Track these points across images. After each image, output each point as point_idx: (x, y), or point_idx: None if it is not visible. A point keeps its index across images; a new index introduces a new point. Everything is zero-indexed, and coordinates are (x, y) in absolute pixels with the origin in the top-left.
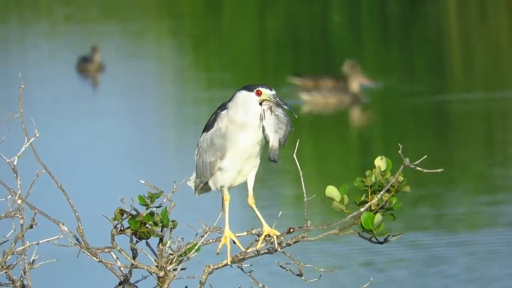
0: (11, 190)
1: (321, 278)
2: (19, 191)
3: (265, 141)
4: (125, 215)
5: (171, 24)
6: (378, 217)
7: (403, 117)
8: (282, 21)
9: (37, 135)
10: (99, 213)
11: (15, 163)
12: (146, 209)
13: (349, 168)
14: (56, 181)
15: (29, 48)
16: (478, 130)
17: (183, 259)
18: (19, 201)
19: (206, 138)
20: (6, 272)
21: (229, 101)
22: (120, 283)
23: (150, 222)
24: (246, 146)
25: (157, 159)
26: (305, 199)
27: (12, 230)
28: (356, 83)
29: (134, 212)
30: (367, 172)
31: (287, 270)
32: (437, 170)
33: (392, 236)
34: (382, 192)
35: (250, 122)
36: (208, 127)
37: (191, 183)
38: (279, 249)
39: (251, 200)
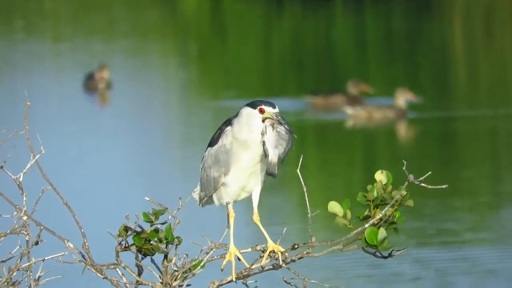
0: (17, 207)
1: None
2: (25, 208)
3: (265, 156)
4: (129, 232)
5: (176, 42)
6: (382, 232)
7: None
8: (287, 38)
9: (43, 152)
10: (104, 229)
11: (20, 179)
12: (151, 225)
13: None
14: (61, 197)
15: (35, 65)
16: (483, 147)
17: (188, 275)
18: (25, 218)
19: (211, 154)
20: None
21: (235, 117)
22: None
23: (155, 239)
24: (249, 163)
25: (162, 176)
26: (309, 215)
27: (18, 247)
28: (402, 98)
29: (138, 229)
30: (369, 187)
31: (292, 285)
32: (441, 186)
33: (397, 250)
34: (386, 208)
35: (253, 140)
36: (213, 142)
37: (195, 195)
38: (283, 265)
39: (256, 217)
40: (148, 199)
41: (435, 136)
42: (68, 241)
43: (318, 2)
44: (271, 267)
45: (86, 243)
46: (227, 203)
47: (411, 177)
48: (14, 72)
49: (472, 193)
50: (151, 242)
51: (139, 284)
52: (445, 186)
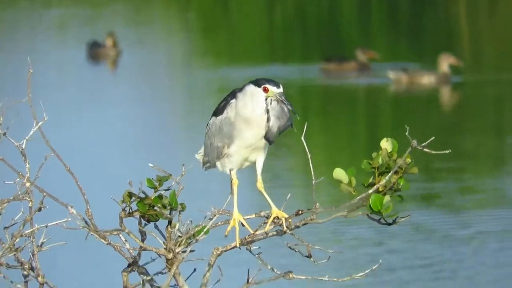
0: (20, 173)
1: (330, 259)
2: (28, 174)
3: (267, 121)
4: (133, 198)
5: (181, 12)
6: (387, 198)
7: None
8: (290, 6)
9: (46, 118)
10: (108, 196)
11: (23, 146)
12: (155, 192)
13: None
14: (64, 164)
15: (39, 34)
16: (488, 112)
17: (191, 241)
18: (28, 184)
19: (215, 123)
20: (14, 255)
21: (240, 90)
22: (129, 265)
23: (159, 205)
24: (251, 139)
25: (166, 144)
26: (313, 181)
27: (21, 213)
28: (445, 63)
29: (142, 195)
30: (374, 154)
31: (296, 251)
32: (444, 152)
33: (401, 217)
34: (390, 174)
35: (256, 118)
36: (218, 112)
37: (199, 156)
38: (287, 231)
39: (260, 185)
40: (152, 165)
41: (477, 101)
42: (71, 207)
43: None
44: (275, 233)
45: (89, 210)
46: (231, 170)
47: (414, 142)
48: (17, 38)
49: (477, 158)
50: (155, 208)
51: (142, 250)
52: (448, 151)
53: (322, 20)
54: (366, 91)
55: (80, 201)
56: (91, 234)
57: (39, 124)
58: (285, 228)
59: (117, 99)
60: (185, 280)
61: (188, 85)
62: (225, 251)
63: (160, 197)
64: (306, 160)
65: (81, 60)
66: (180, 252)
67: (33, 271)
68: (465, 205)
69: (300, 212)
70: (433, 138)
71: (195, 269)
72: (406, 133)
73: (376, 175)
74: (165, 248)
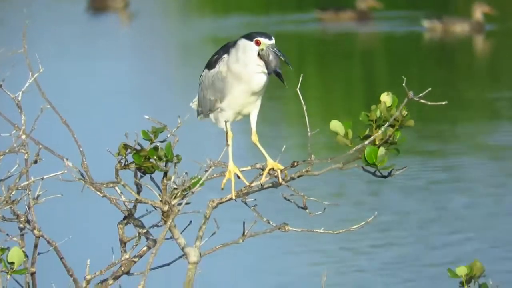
0: (16, 126)
1: (325, 211)
2: (23, 127)
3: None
4: (129, 150)
5: None
6: (382, 150)
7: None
8: None
9: (41, 70)
10: (104, 148)
11: (19, 98)
12: (150, 144)
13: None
14: (60, 116)
15: None
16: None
17: (187, 193)
18: (24, 137)
19: (208, 77)
20: (10, 207)
21: (233, 46)
22: (125, 218)
23: (154, 157)
24: (242, 95)
25: (162, 96)
26: (308, 133)
27: (17, 165)
28: (479, 11)
29: (138, 147)
30: (372, 107)
31: (291, 202)
32: (440, 103)
33: (396, 170)
34: (386, 125)
35: (247, 74)
36: (210, 65)
37: (193, 105)
38: (283, 182)
39: (254, 137)
40: (147, 117)
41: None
42: (67, 160)
43: None
44: (271, 185)
45: (85, 162)
46: (226, 122)
47: (410, 93)
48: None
49: (472, 107)
50: (151, 160)
51: (138, 202)
52: (444, 102)
53: None
54: (397, 39)
55: (76, 153)
56: (87, 187)
57: (35, 76)
58: (280, 180)
59: (114, 51)
60: (181, 233)
61: (185, 35)
62: (221, 203)
63: (155, 148)
64: (309, 112)
65: (80, 12)
66: (176, 205)
67: (29, 224)
68: None
69: (295, 163)
70: (429, 89)
71: (190, 222)
72: (403, 84)
73: (374, 128)
74: (160, 201)
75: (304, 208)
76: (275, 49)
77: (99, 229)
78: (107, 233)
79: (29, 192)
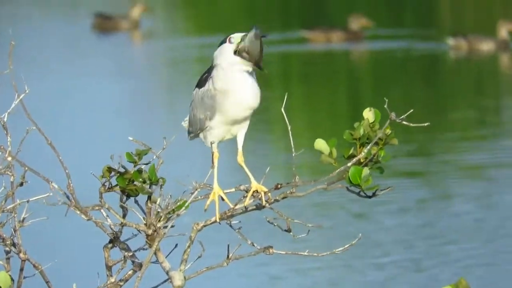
0: (1, 147)
1: (310, 233)
2: (9, 148)
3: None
4: (113, 173)
5: None
6: (366, 171)
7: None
8: None
9: (27, 91)
10: (91, 169)
11: (5, 119)
12: (134, 166)
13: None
14: (46, 137)
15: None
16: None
17: (171, 216)
18: (9, 158)
19: (198, 95)
20: None
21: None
22: (110, 241)
23: (139, 180)
24: (231, 111)
25: (148, 117)
26: (293, 154)
27: (2, 188)
28: (505, 29)
29: (122, 170)
30: (356, 124)
31: (275, 225)
32: (423, 124)
33: (381, 190)
34: (369, 146)
35: (230, 89)
36: (200, 83)
37: (185, 124)
38: (267, 205)
39: (240, 158)
40: (131, 139)
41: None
42: (52, 182)
43: None
44: (255, 207)
45: (71, 184)
46: (212, 143)
47: (392, 115)
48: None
49: (456, 125)
50: (135, 183)
51: (123, 226)
52: (426, 124)
53: None
54: (419, 58)
55: (62, 175)
56: (72, 210)
57: (21, 97)
58: (264, 202)
59: (100, 70)
60: (166, 257)
61: (171, 54)
62: (205, 226)
63: (139, 171)
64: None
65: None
66: (161, 228)
67: (15, 247)
68: None
69: (279, 185)
70: (411, 110)
71: (176, 245)
72: (385, 106)
73: (358, 146)
74: (145, 224)
75: (288, 231)
76: (251, 34)
77: (85, 252)
78: (93, 256)
79: (15, 215)
